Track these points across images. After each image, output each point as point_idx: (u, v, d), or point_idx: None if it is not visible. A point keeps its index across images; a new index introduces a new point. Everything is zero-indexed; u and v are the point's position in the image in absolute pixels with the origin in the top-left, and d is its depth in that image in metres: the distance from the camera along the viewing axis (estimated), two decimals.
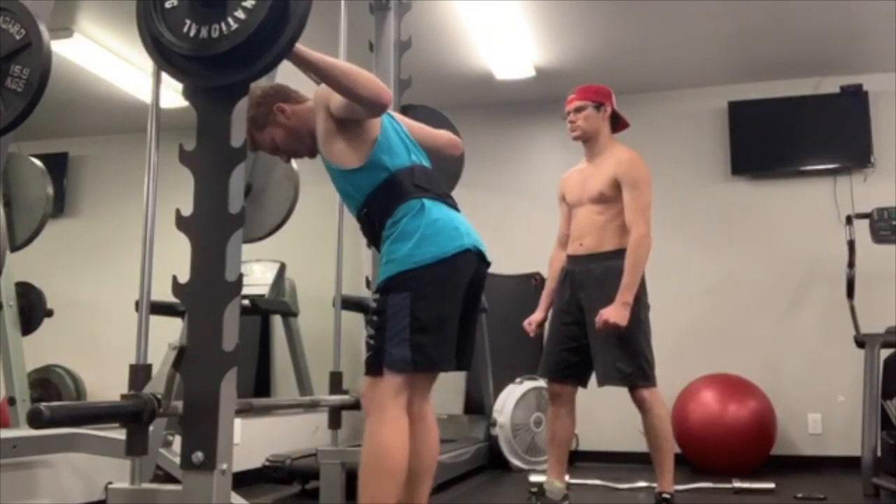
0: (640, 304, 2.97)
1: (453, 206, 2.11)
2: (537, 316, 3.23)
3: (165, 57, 1.62)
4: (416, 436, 2.03)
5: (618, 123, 3.20)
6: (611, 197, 3.03)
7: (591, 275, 3.02)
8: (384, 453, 1.90)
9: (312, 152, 2.15)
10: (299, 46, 1.73)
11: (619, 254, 2.98)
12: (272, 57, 1.58)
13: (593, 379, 3.07)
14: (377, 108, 1.92)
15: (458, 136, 2.52)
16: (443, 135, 2.36)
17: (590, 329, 3.00)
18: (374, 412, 1.95)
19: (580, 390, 3.15)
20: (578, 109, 3.12)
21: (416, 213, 1.98)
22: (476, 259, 2.06)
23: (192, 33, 1.57)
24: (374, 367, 1.96)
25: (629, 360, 2.92)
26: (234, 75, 1.59)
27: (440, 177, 2.17)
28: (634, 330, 2.92)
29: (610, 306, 2.85)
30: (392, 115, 2.18)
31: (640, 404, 2.95)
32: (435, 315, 1.95)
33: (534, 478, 3.84)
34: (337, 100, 1.93)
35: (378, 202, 2.03)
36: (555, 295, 3.19)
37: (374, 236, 2.09)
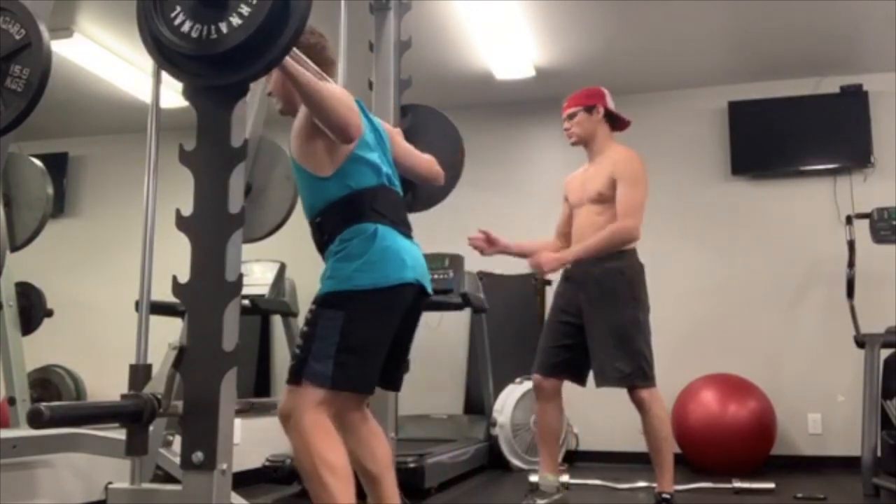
0: (639, 305, 2.99)
1: (408, 235, 2.11)
2: (504, 241, 3.16)
3: (166, 56, 1.62)
4: (363, 440, 2.06)
5: (617, 122, 3.21)
6: (609, 197, 3.04)
7: (591, 276, 3.03)
8: (316, 454, 1.87)
9: (282, 112, 2.16)
10: (289, 59, 1.73)
11: (618, 256, 3.00)
12: (273, 56, 1.57)
13: (591, 379, 3.08)
14: (341, 138, 1.93)
15: (459, 134, 2.50)
16: (425, 164, 2.34)
17: (588, 330, 3.01)
18: (291, 423, 1.92)
19: (580, 390, 3.16)
20: (571, 116, 3.18)
21: (367, 237, 1.98)
22: (415, 292, 2.05)
23: (192, 33, 1.57)
24: (296, 376, 1.95)
25: (628, 360, 2.93)
26: (234, 75, 1.59)
27: (402, 203, 2.16)
28: (633, 330, 2.94)
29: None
30: (380, 130, 2.18)
31: (640, 405, 2.95)
32: (364, 339, 1.95)
33: (534, 478, 3.84)
34: None
35: (333, 216, 2.03)
36: (555, 295, 3.22)
37: (321, 245, 2.09)
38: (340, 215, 2.02)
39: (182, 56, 1.59)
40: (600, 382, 3.01)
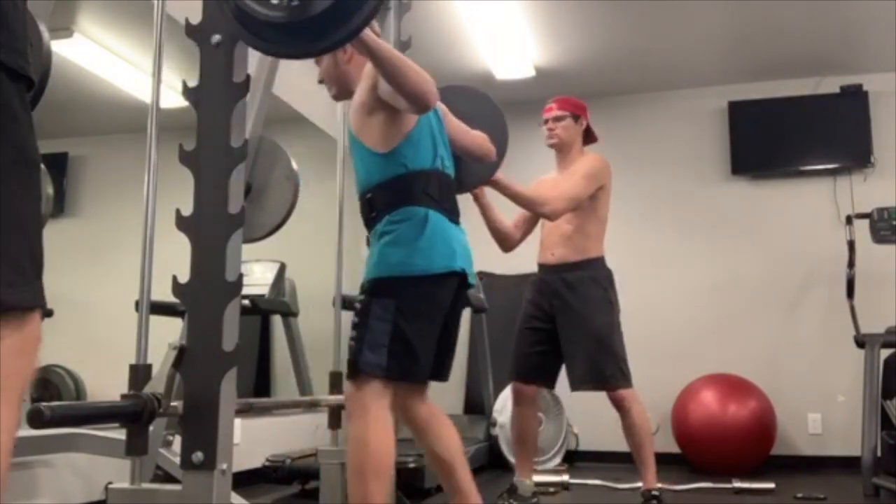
0: (613, 309, 3.06)
1: (456, 221, 2.10)
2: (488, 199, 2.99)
3: (248, 27, 1.57)
4: (434, 432, 2.08)
5: (588, 137, 3.26)
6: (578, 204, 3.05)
7: (565, 282, 3.09)
8: (369, 454, 1.89)
9: (336, 98, 2.17)
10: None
11: (590, 263, 3.09)
12: (358, 22, 1.53)
13: None
14: (419, 107, 1.90)
15: (504, 120, 2.49)
16: (478, 141, 2.31)
17: (564, 335, 3.07)
18: (357, 413, 1.95)
19: (581, 392, 3.18)
20: (558, 119, 3.20)
21: (417, 222, 1.97)
22: (458, 282, 2.06)
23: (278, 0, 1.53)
24: (353, 369, 1.97)
25: (608, 362, 3.00)
26: (318, 43, 1.56)
27: (453, 188, 2.15)
28: (610, 333, 3.02)
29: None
30: (438, 112, 2.16)
31: (620, 404, 3.01)
32: (416, 327, 1.96)
33: (534, 478, 3.84)
34: (385, 83, 1.90)
35: (385, 194, 2.02)
36: (525, 302, 3.24)
37: (367, 221, 2.09)
38: (392, 194, 2.01)
39: (264, 25, 1.55)
40: (577, 386, 3.05)
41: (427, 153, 2.05)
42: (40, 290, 0.87)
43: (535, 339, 3.12)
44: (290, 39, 1.57)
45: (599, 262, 3.13)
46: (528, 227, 3.23)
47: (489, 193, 2.90)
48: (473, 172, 2.47)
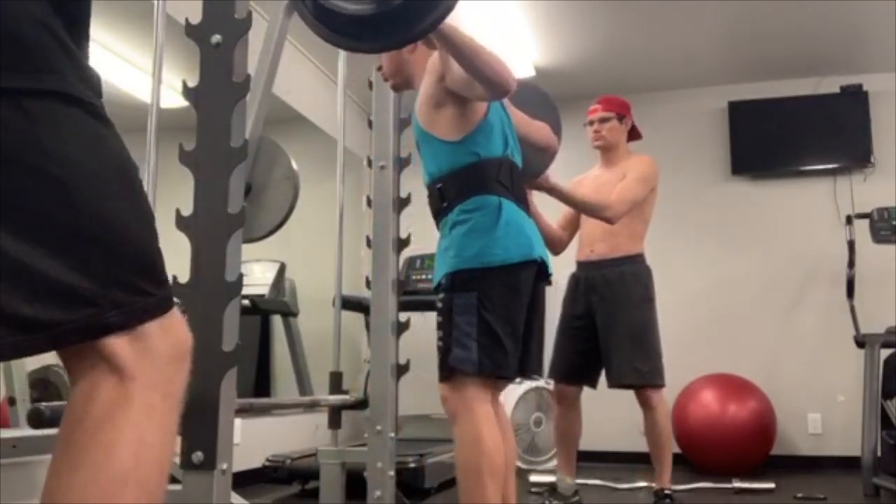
0: (652, 306, 3.04)
1: (527, 211, 2.07)
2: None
3: (328, 25, 1.55)
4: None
5: (633, 134, 3.28)
6: None
7: (606, 279, 3.08)
8: (484, 453, 1.86)
9: (395, 88, 2.16)
10: None
11: (632, 259, 3.08)
12: (444, 8, 1.51)
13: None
14: (499, 92, 1.87)
15: (560, 127, 2.43)
16: (542, 132, 2.28)
17: (604, 331, 3.05)
18: (462, 413, 1.91)
19: (585, 391, 3.18)
20: (603, 120, 3.19)
21: (491, 211, 1.94)
22: (536, 271, 2.01)
23: None
24: (446, 369, 1.92)
25: (646, 360, 2.98)
26: (409, 30, 1.53)
27: (521, 178, 2.12)
28: (650, 330, 3.01)
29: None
30: (503, 101, 2.14)
31: (647, 402, 2.99)
32: (500, 319, 1.92)
33: (534, 478, 3.85)
34: (457, 73, 1.87)
35: (456, 183, 1.98)
36: (564, 302, 3.23)
37: (437, 211, 2.05)
38: (464, 183, 1.98)
39: (349, 21, 1.53)
40: (615, 383, 3.04)
41: (498, 141, 2.02)
42: (154, 301, 0.85)
43: (576, 340, 3.12)
44: (376, 33, 1.55)
45: (640, 258, 3.14)
46: (574, 227, 3.22)
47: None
48: (529, 165, 2.43)
